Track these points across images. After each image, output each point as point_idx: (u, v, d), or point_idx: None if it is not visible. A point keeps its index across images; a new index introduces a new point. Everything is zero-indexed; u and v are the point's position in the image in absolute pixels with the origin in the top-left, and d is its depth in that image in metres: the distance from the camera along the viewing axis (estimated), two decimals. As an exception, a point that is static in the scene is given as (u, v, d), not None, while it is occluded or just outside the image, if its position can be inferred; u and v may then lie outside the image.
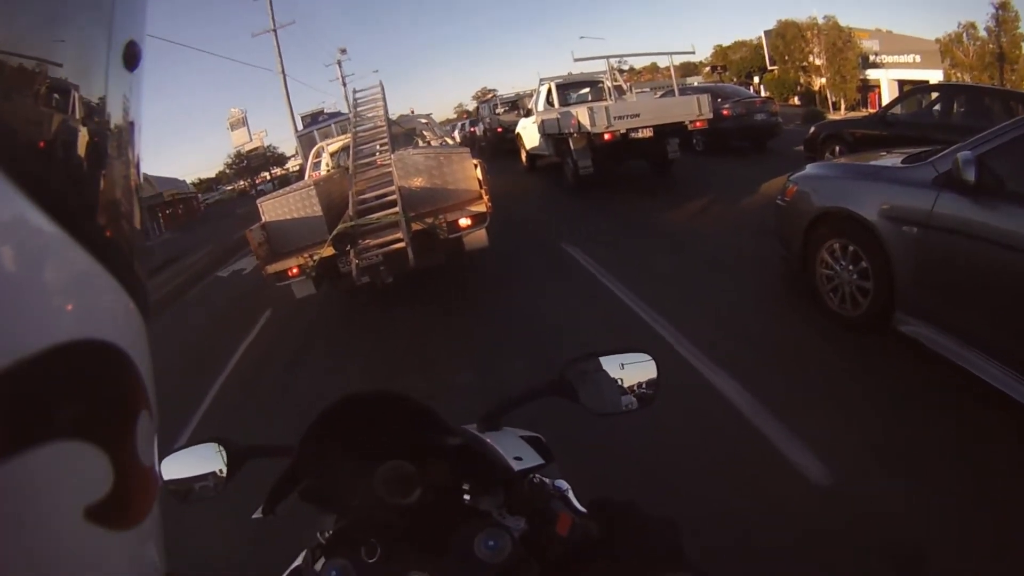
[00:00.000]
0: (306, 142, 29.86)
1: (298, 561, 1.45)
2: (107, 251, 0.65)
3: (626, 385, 1.77)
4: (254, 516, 1.44)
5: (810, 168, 6.97)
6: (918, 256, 5.06)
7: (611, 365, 1.76)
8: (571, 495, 1.53)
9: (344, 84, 51.16)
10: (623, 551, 1.41)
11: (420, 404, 1.40)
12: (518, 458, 1.52)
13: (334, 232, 7.77)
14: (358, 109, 11.76)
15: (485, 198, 8.63)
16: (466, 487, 1.38)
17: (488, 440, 1.55)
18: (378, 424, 1.39)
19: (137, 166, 0.81)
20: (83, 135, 0.67)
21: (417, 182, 8.71)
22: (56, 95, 0.62)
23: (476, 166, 8.89)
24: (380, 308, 8.96)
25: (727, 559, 3.29)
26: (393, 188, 8.27)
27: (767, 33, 59.08)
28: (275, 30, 40.14)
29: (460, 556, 1.26)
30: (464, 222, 8.40)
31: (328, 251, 7.85)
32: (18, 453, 0.51)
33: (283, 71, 40.49)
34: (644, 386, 1.78)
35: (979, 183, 4.54)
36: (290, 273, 8.13)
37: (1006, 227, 4.36)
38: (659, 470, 4.10)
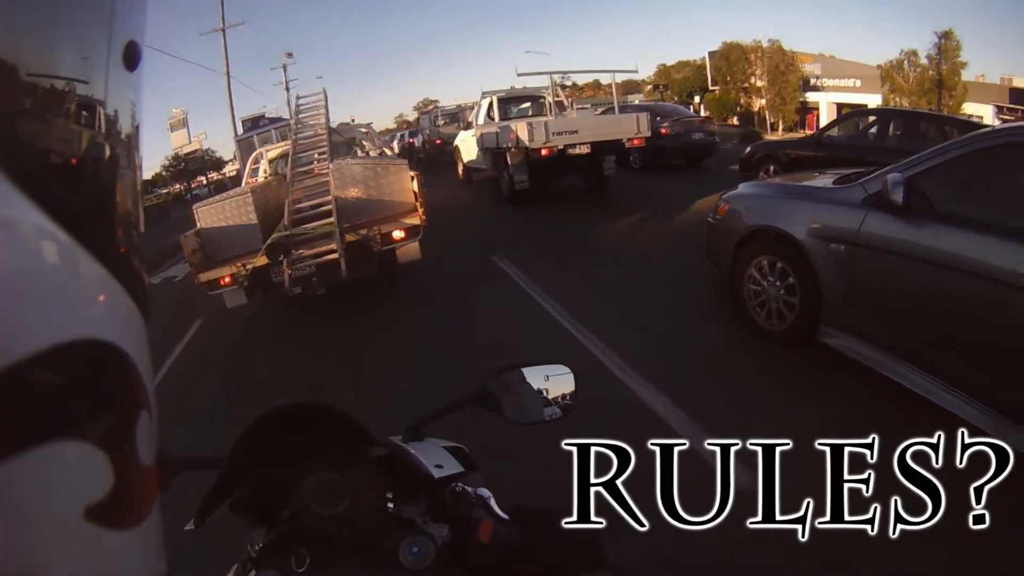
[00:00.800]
0: (245, 147, 29.38)
1: (229, 575, 1.45)
2: (107, 251, 0.65)
3: (548, 396, 1.81)
4: (186, 528, 1.42)
5: (742, 187, 7.12)
6: (845, 273, 5.24)
7: (533, 376, 1.80)
8: (493, 503, 1.56)
9: (288, 89, 50.53)
10: (543, 555, 1.47)
11: (346, 415, 1.42)
12: (439, 466, 1.55)
13: (268, 241, 7.68)
14: (300, 116, 11.68)
15: (420, 211, 8.61)
16: (390, 496, 1.39)
17: (412, 450, 1.57)
18: (306, 435, 1.40)
19: (138, 166, 0.82)
20: (83, 135, 0.68)
21: (353, 192, 8.65)
22: (56, 96, 0.63)
23: (413, 178, 8.86)
24: (311, 319, 8.85)
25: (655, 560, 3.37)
26: (329, 198, 8.23)
27: (711, 54, 59.68)
28: (224, 29, 39.59)
29: (385, 563, 1.28)
30: (398, 234, 8.36)
31: (261, 260, 7.74)
32: (18, 453, 0.51)
33: (228, 72, 39.98)
34: (565, 397, 1.83)
35: (907, 204, 4.71)
36: (222, 282, 7.97)
37: (932, 245, 4.54)
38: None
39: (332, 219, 7.86)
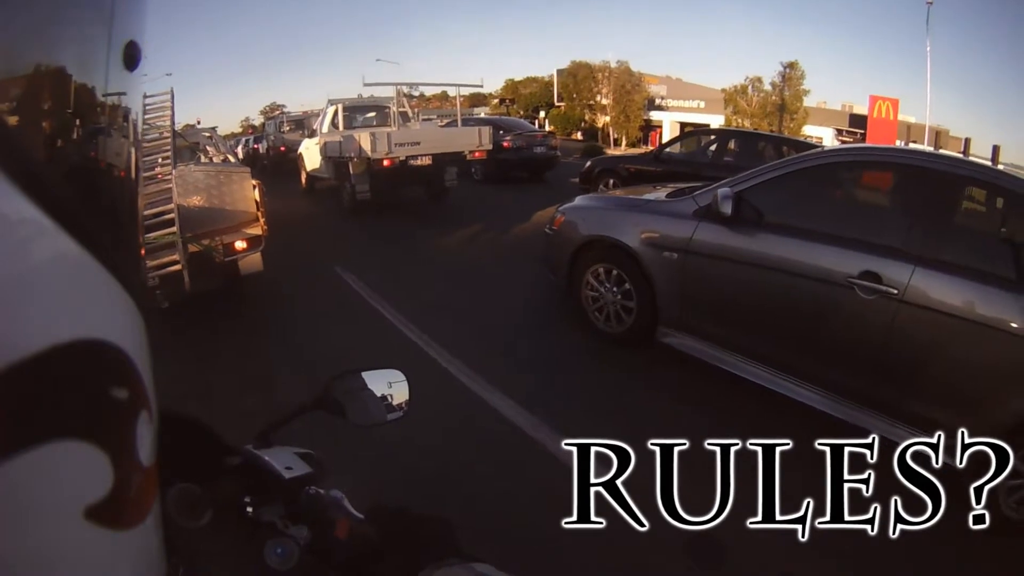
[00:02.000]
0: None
1: None
2: (107, 251, 0.65)
3: (388, 400, 1.87)
4: None
5: (579, 200, 7.32)
6: (678, 278, 5.58)
7: (372, 380, 1.86)
8: (346, 503, 1.58)
9: None
10: (400, 548, 1.50)
11: (196, 423, 1.45)
12: (289, 468, 1.56)
13: None
14: (145, 117, 11.00)
15: (261, 221, 8.42)
16: (248, 500, 1.39)
17: (264, 456, 1.59)
18: (160, 447, 1.39)
19: (138, 166, 0.84)
20: (83, 135, 0.69)
21: (196, 200, 8.29)
22: (56, 95, 0.64)
23: (255, 187, 8.63)
24: (155, 334, 8.41)
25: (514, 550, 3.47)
26: (172, 206, 7.72)
27: (559, 71, 60.47)
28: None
29: (252, 566, 1.29)
30: (240, 245, 8.14)
31: None
32: (18, 453, 0.51)
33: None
34: (403, 400, 1.89)
35: (736, 215, 5.08)
36: None
37: (760, 251, 4.99)
38: (445, 482, 4.24)
39: (174, 228, 7.45)
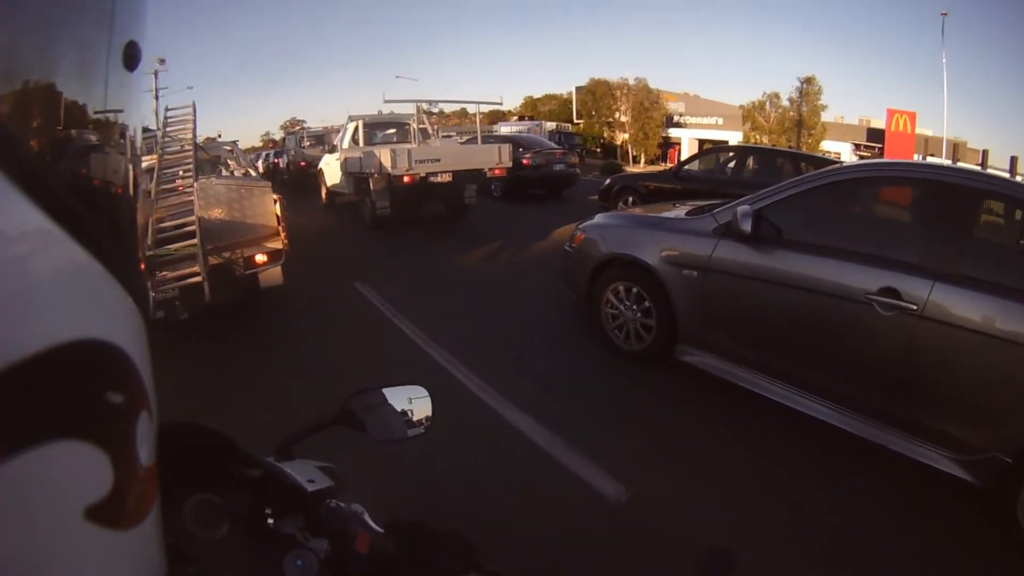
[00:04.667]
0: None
1: None
2: (107, 252, 0.66)
3: (410, 416, 1.87)
4: None
5: (598, 218, 7.31)
6: (698, 296, 5.58)
7: (393, 397, 1.86)
8: (367, 517, 1.58)
9: (157, 98, 48.44)
10: (420, 563, 1.52)
11: (218, 434, 1.43)
12: (311, 481, 1.56)
13: None
14: (167, 129, 10.85)
15: (282, 235, 8.42)
16: (269, 512, 1.39)
17: (286, 469, 1.58)
18: (180, 457, 1.34)
19: (138, 168, 0.84)
20: (83, 136, 0.70)
21: (217, 213, 8.25)
22: (56, 96, 0.64)
23: (276, 201, 8.63)
24: (175, 345, 8.05)
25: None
26: (193, 218, 7.76)
27: (578, 89, 60.59)
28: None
29: None
30: (261, 258, 8.18)
31: None
32: (18, 453, 0.53)
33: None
34: (425, 417, 1.89)
35: (755, 233, 5.07)
36: None
37: (780, 268, 4.98)
38: (465, 501, 4.22)
39: (195, 240, 7.45)
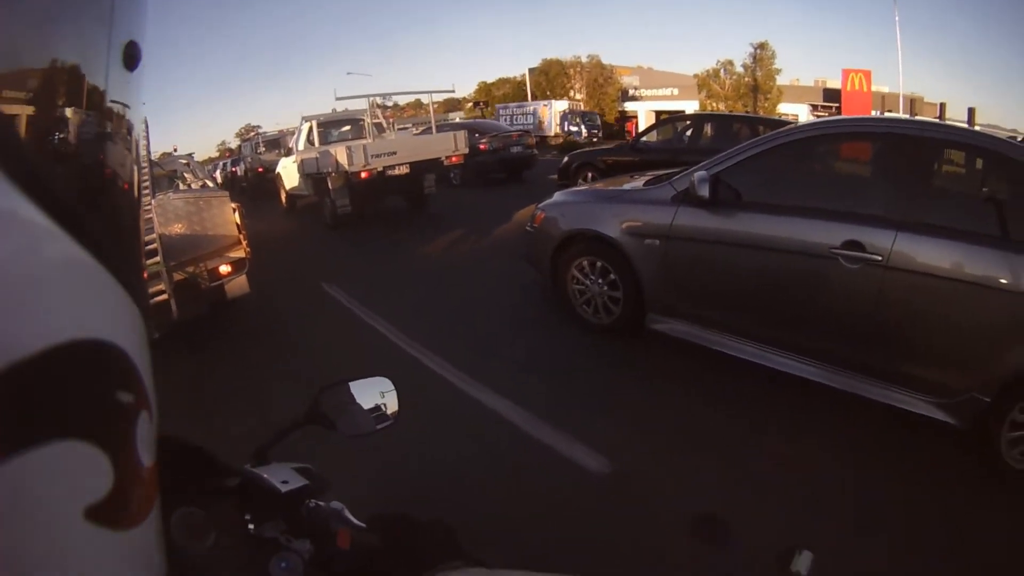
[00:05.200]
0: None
1: None
2: (107, 251, 0.65)
3: (382, 409, 1.86)
4: None
5: (557, 195, 7.31)
6: (662, 264, 5.60)
7: (359, 390, 1.86)
8: (347, 513, 1.58)
9: None
10: (403, 554, 1.51)
11: (196, 447, 1.42)
12: (284, 482, 1.56)
13: None
14: None
15: (244, 243, 8.41)
16: (249, 518, 1.39)
17: (263, 474, 1.59)
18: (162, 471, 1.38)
19: (139, 168, 0.83)
20: (83, 136, 0.68)
21: (177, 228, 8.20)
22: (56, 96, 0.63)
23: (235, 210, 8.62)
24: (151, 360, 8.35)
25: (525, 553, 3.44)
26: (154, 236, 7.61)
27: (531, 70, 60.64)
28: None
29: None
30: (224, 269, 8.13)
31: None
32: (18, 453, 0.51)
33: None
34: (392, 408, 1.88)
35: (713, 197, 5.10)
36: None
37: (741, 230, 5.01)
38: (449, 488, 4.21)
39: (158, 258, 7.33)
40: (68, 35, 0.64)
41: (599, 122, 46.32)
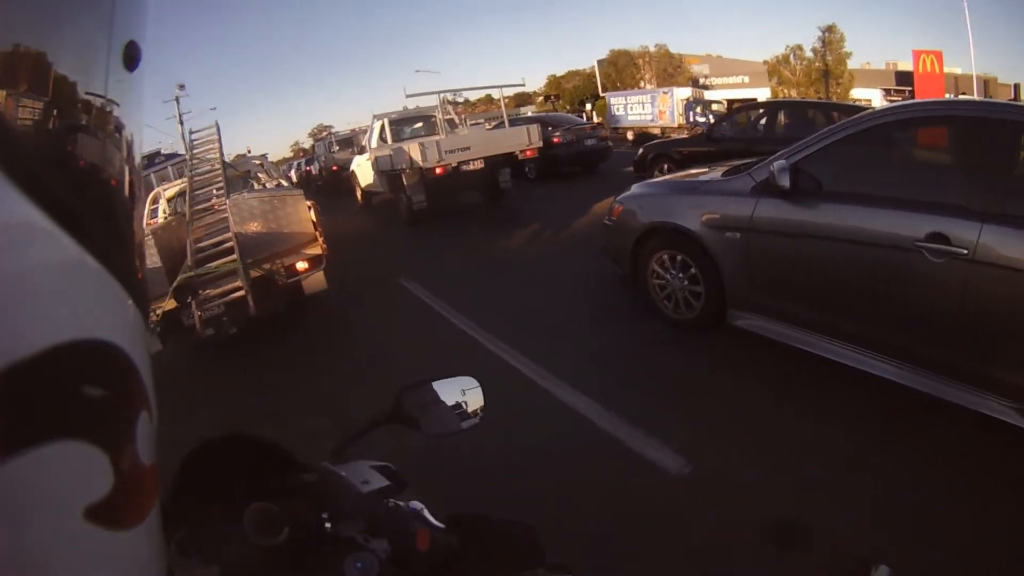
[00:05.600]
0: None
1: None
2: (107, 251, 0.66)
3: (464, 407, 1.86)
4: None
5: (635, 188, 7.20)
6: (744, 257, 5.46)
7: (443, 389, 1.86)
8: (427, 513, 1.56)
9: (181, 122, 48.93)
10: (483, 557, 1.50)
11: (272, 444, 1.47)
12: (365, 482, 1.58)
13: (174, 284, 7.46)
14: (194, 151, 11.23)
15: (320, 240, 8.53)
16: (326, 516, 1.38)
17: (341, 472, 1.60)
18: (236, 468, 1.42)
19: (139, 168, 0.83)
20: (83, 136, 0.69)
21: (253, 227, 8.39)
22: (56, 96, 0.63)
23: (310, 208, 8.74)
24: (228, 358, 8.49)
25: (604, 557, 3.46)
26: (230, 235, 7.95)
27: (600, 62, 60.33)
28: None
29: None
30: (301, 266, 8.27)
31: (171, 304, 7.49)
32: (18, 453, 0.52)
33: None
34: (478, 407, 1.87)
35: (794, 187, 4.94)
36: None
37: (824, 221, 4.81)
38: (526, 487, 4.18)
39: (235, 256, 7.62)
40: (68, 35, 0.66)
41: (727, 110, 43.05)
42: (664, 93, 41.82)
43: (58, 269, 0.60)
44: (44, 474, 0.55)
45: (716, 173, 6.45)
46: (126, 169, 0.78)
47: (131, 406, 0.68)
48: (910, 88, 42.59)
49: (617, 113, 42.45)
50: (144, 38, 0.79)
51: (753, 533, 3.51)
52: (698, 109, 38.43)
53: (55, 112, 0.64)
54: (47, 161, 0.63)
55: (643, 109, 41.74)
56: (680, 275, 6.21)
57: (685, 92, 42.80)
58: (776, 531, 3.54)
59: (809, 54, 47.83)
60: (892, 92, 45.37)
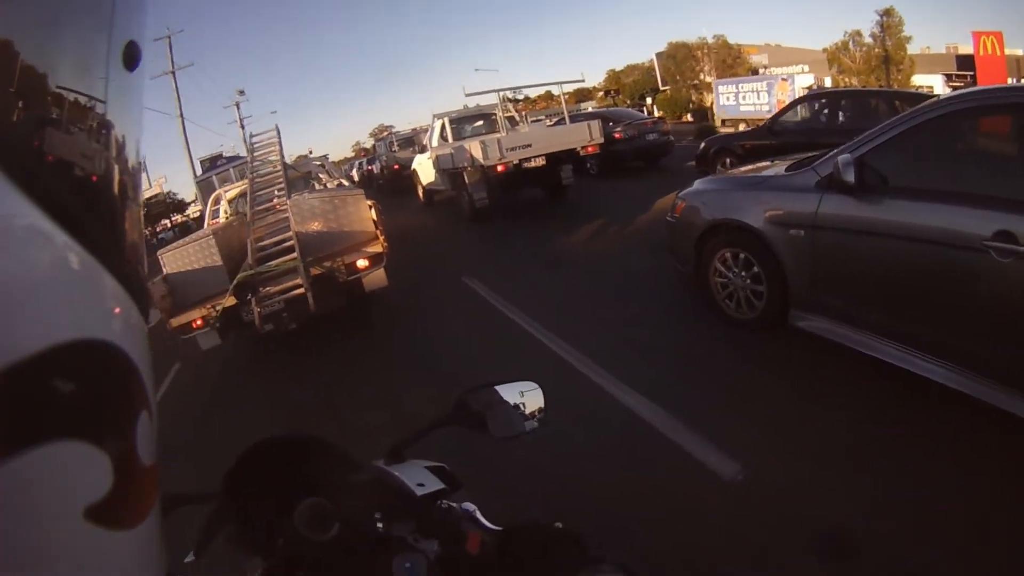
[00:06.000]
0: (205, 187, 29.10)
1: None
2: (108, 252, 0.67)
3: (523, 411, 1.86)
4: (187, 560, 1.44)
5: (697, 184, 7.13)
6: (808, 256, 5.32)
7: (505, 393, 1.85)
8: (479, 515, 1.60)
9: (242, 126, 49.77)
10: (533, 561, 1.50)
11: (329, 444, 1.48)
12: (421, 484, 1.61)
13: (235, 281, 7.67)
14: (255, 153, 11.46)
15: (381, 238, 8.62)
16: (379, 516, 1.41)
17: (396, 472, 1.62)
18: (293, 465, 1.45)
19: (138, 167, 0.84)
20: (83, 136, 0.70)
21: (314, 226, 8.60)
22: (56, 97, 0.64)
23: (371, 207, 8.87)
24: (287, 355, 8.74)
25: (661, 562, 3.45)
26: (290, 234, 8.17)
27: (658, 55, 59.81)
28: (174, 72, 39.27)
29: None
30: (362, 263, 8.37)
31: (230, 301, 7.71)
32: (18, 453, 0.53)
33: (181, 114, 39.36)
34: (540, 411, 1.88)
35: (860, 183, 4.80)
36: (195, 325, 7.86)
37: (890, 219, 4.63)
38: (582, 488, 4.19)
39: (295, 254, 7.81)
40: (68, 35, 0.67)
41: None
42: (783, 79, 39.52)
43: (58, 269, 0.61)
44: (44, 474, 0.56)
45: (780, 167, 6.33)
46: (126, 170, 0.79)
47: (131, 406, 0.70)
48: (972, 72, 41.42)
49: (726, 103, 40.23)
50: (144, 38, 0.80)
51: (803, 542, 3.48)
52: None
53: (55, 112, 0.66)
54: (47, 161, 0.64)
55: (758, 99, 38.76)
56: (743, 273, 6.13)
57: (807, 79, 40.70)
58: (826, 542, 3.47)
59: (868, 40, 46.99)
60: (953, 77, 44.27)
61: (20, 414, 0.54)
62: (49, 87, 0.63)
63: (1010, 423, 3.91)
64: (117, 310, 0.69)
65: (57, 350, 0.57)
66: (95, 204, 0.71)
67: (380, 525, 1.41)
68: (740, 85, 40.61)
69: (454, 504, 1.60)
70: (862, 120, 11.64)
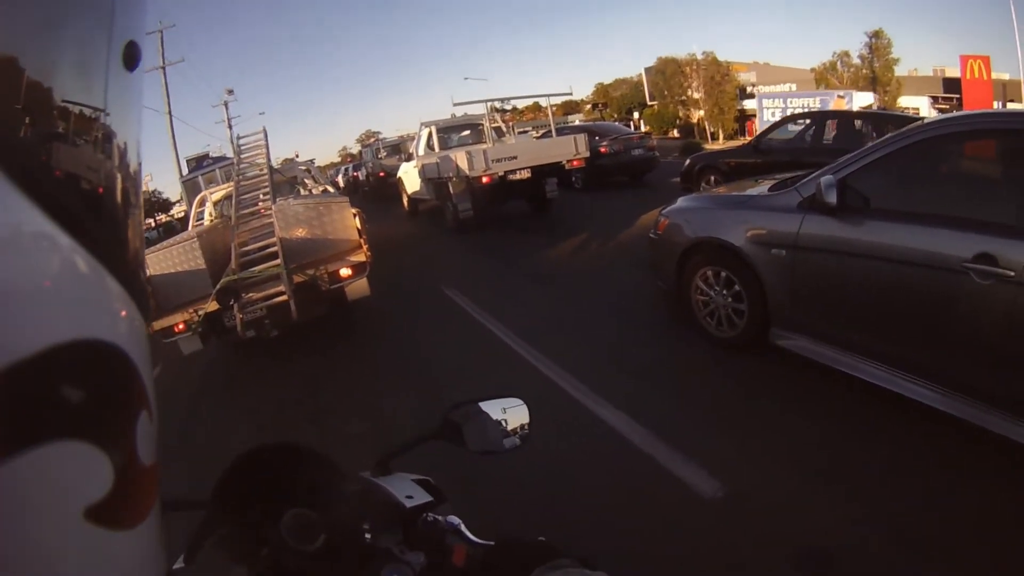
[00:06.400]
0: (191, 188, 28.87)
1: None
2: (108, 252, 0.67)
3: (506, 427, 1.88)
4: (175, 566, 1.45)
5: (680, 201, 7.17)
6: (789, 276, 5.36)
7: (490, 409, 1.87)
8: (463, 528, 1.60)
9: (230, 126, 49.49)
10: (512, 569, 1.47)
11: (318, 455, 1.50)
12: (409, 497, 1.62)
13: (217, 286, 7.59)
14: (242, 156, 11.33)
15: (364, 247, 8.59)
16: (366, 527, 1.41)
17: (383, 484, 1.65)
18: (281, 475, 1.45)
19: (138, 171, 0.84)
20: (83, 136, 0.70)
21: (298, 232, 8.53)
22: (56, 97, 0.64)
23: (355, 215, 8.83)
24: (269, 361, 8.67)
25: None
26: (275, 240, 8.09)
27: (647, 70, 60.12)
28: (164, 67, 38.84)
29: None
30: (345, 272, 8.32)
31: (213, 306, 7.63)
32: (18, 453, 0.52)
33: (170, 112, 39.06)
34: (523, 428, 1.90)
35: (841, 204, 4.85)
36: (176, 329, 7.74)
37: (871, 240, 4.69)
38: (562, 505, 4.17)
39: (279, 261, 7.74)
40: (68, 35, 0.66)
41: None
42: (840, 96, 38.17)
43: (58, 269, 0.60)
44: (44, 474, 0.56)
45: (763, 187, 6.38)
46: (126, 170, 0.79)
47: (131, 406, 0.69)
48: (958, 96, 41.83)
49: (772, 120, 35.43)
50: (144, 38, 0.80)
51: (782, 561, 3.48)
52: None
53: (55, 113, 0.65)
54: (47, 161, 0.64)
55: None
56: (724, 292, 6.16)
57: (867, 98, 39.66)
58: (805, 560, 3.48)
59: (856, 60, 47.44)
60: (940, 100, 44.72)
61: (20, 414, 0.54)
62: (48, 87, 0.63)
63: (994, 441, 3.97)
64: (118, 311, 0.69)
65: (57, 350, 0.56)
66: (95, 205, 0.71)
67: (368, 536, 1.42)
68: (789, 100, 39.93)
69: (439, 517, 1.60)
70: (847, 141, 11.79)
